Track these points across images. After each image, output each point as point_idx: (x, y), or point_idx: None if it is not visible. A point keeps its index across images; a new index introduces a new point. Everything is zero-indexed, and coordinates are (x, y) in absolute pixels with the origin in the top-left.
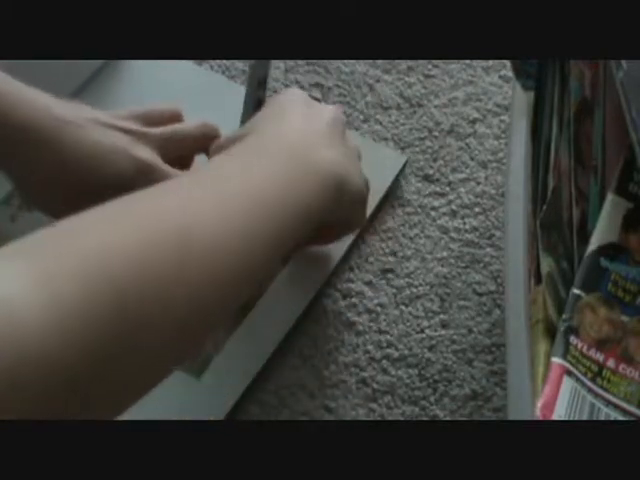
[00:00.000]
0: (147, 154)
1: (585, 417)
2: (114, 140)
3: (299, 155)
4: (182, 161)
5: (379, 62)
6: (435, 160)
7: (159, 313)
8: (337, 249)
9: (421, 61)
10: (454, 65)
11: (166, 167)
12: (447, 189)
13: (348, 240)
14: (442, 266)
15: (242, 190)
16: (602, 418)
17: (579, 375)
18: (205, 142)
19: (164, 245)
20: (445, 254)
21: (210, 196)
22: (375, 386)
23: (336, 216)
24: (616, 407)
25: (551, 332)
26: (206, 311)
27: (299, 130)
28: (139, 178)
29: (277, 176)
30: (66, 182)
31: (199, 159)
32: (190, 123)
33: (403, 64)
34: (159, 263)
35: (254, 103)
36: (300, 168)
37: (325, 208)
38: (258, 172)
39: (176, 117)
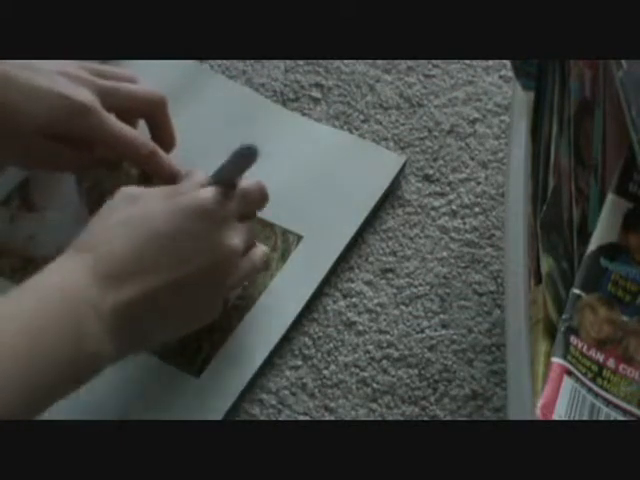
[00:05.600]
0: (85, 97)
1: (585, 417)
2: (50, 83)
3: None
4: (126, 121)
5: (379, 62)
6: (435, 160)
7: None
8: (336, 246)
9: (421, 61)
10: (454, 65)
11: (105, 113)
12: (447, 189)
13: (347, 238)
14: (442, 266)
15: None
16: (602, 418)
17: (579, 375)
18: (149, 108)
19: None
20: (445, 254)
21: None
22: (375, 386)
23: None
24: (616, 407)
25: (551, 332)
26: None
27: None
28: (75, 121)
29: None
30: None
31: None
32: (141, 86)
33: (403, 64)
34: None
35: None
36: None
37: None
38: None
39: (130, 79)
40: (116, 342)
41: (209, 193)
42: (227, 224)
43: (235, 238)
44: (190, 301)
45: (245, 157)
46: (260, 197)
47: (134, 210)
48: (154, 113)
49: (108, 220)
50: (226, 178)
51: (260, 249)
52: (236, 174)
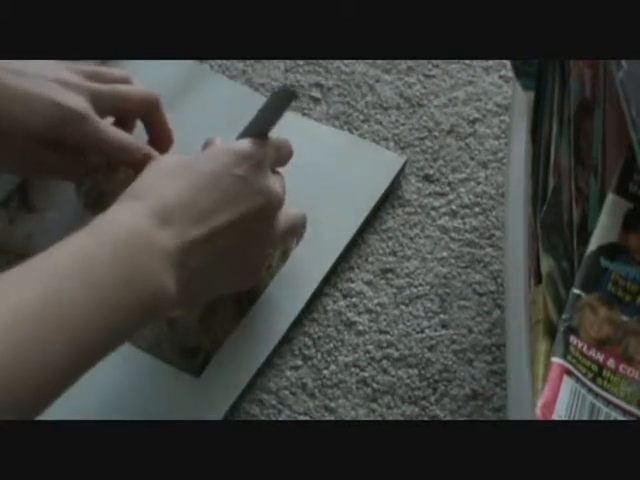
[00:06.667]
0: (78, 104)
1: (585, 417)
2: (42, 89)
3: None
4: (122, 123)
5: (379, 62)
6: (435, 160)
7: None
8: (336, 246)
9: (421, 61)
10: (454, 65)
11: (99, 119)
12: (447, 189)
13: (347, 238)
14: (442, 266)
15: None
16: (602, 418)
17: (579, 375)
18: (144, 109)
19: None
20: (445, 254)
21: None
22: (375, 386)
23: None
24: (616, 407)
25: (551, 332)
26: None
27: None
28: (68, 128)
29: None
30: None
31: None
32: (134, 87)
33: (403, 64)
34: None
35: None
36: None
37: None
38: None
39: (124, 80)
40: (178, 284)
41: (246, 141)
42: (267, 170)
43: (276, 184)
44: (244, 245)
45: (284, 97)
46: (289, 150)
47: (180, 161)
48: (149, 113)
49: (157, 171)
50: (265, 124)
51: (299, 211)
52: (274, 118)
